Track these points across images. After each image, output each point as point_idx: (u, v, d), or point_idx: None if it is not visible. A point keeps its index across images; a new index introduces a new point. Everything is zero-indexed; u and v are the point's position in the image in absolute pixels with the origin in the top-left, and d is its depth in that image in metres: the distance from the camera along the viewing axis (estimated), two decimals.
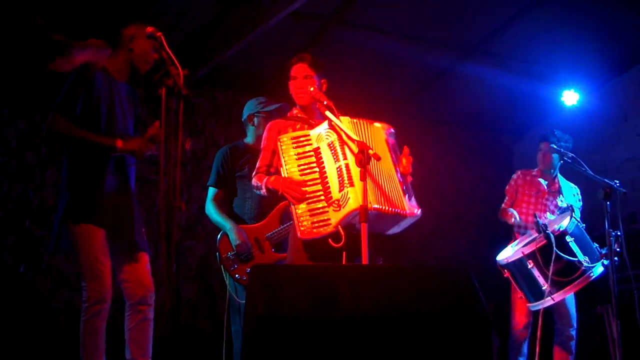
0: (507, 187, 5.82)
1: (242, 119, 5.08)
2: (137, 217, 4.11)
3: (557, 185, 5.67)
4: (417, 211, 3.84)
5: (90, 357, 3.86)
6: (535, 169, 5.76)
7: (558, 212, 5.55)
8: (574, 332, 5.35)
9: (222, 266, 4.72)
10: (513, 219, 5.39)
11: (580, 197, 5.77)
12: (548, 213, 5.55)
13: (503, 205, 5.75)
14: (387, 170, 3.80)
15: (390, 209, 3.68)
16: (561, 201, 5.62)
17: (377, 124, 3.92)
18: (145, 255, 4.11)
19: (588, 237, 5.03)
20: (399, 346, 2.72)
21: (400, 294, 2.84)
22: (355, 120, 3.84)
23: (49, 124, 3.98)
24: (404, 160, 3.89)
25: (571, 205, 5.34)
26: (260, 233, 4.71)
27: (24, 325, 5.95)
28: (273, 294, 2.68)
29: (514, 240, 5.46)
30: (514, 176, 5.80)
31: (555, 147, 5.22)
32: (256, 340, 2.60)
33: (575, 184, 5.83)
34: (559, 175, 5.74)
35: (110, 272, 3.94)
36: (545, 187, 5.65)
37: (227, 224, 4.73)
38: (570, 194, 5.70)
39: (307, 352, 2.63)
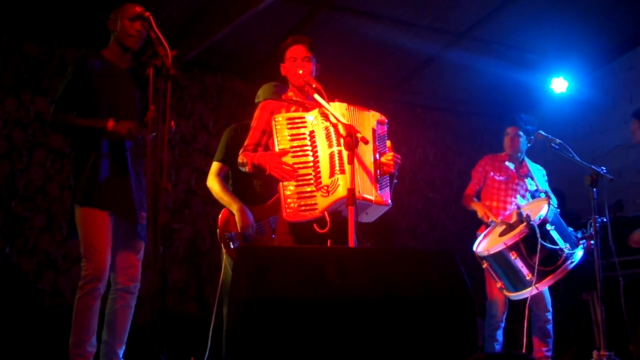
0: (473, 172, 5.82)
1: (257, 101, 4.97)
2: (137, 202, 4.12)
3: (525, 169, 5.68)
4: (387, 200, 3.83)
5: (79, 334, 3.91)
6: (503, 154, 5.77)
7: (529, 196, 5.57)
8: (549, 316, 5.39)
9: (221, 244, 4.66)
10: (489, 221, 5.38)
11: (547, 178, 5.79)
12: (519, 197, 5.56)
13: (467, 190, 5.76)
14: (368, 157, 3.82)
15: (366, 197, 3.70)
16: (530, 184, 5.64)
17: (367, 112, 3.93)
18: (140, 244, 4.15)
19: (563, 222, 5.05)
20: (385, 328, 2.73)
21: (387, 276, 2.85)
22: (347, 106, 3.84)
23: (48, 118, 4.12)
24: (387, 154, 3.88)
25: (546, 192, 5.36)
26: (263, 215, 4.65)
27: (8, 306, 5.93)
28: (259, 276, 2.68)
29: (484, 228, 5.46)
30: (482, 162, 5.80)
31: (543, 133, 5.21)
32: (242, 323, 2.61)
33: (565, 170, 5.84)
34: (525, 158, 5.75)
35: (107, 253, 3.99)
36: (514, 171, 5.66)
37: (234, 203, 4.65)
38: (540, 175, 5.71)
39: (294, 334, 2.63)
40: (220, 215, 4.69)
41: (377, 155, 3.88)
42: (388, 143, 3.95)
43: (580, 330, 6.40)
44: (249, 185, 4.74)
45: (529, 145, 5.70)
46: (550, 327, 5.40)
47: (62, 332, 3.95)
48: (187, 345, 6.30)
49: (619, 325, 5.45)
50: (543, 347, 5.41)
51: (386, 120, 4.03)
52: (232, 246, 4.58)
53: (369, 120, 3.92)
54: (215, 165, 4.83)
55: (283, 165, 3.71)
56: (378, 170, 3.84)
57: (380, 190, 3.81)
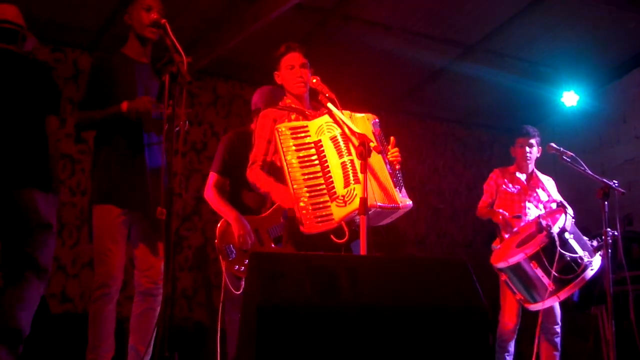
0: (485, 185, 5.81)
1: (253, 109, 4.95)
2: (153, 196, 4.04)
3: (536, 180, 5.68)
4: (409, 202, 3.79)
5: (93, 339, 3.93)
6: (512, 166, 5.76)
7: (541, 206, 5.56)
8: (558, 328, 5.37)
9: (219, 256, 4.65)
10: (501, 217, 5.37)
11: (556, 189, 5.77)
12: (532, 207, 5.54)
13: (480, 203, 5.75)
14: (378, 163, 3.75)
15: (390, 205, 3.67)
16: (542, 195, 5.62)
17: (359, 115, 3.86)
18: (160, 243, 4.09)
19: (579, 231, 5.03)
20: (397, 336, 2.72)
21: (400, 285, 2.84)
22: (350, 113, 3.80)
23: (73, 121, 4.21)
24: (391, 150, 3.82)
25: (561, 201, 5.34)
26: (262, 225, 4.62)
27: None
28: (272, 282, 2.67)
29: (499, 238, 5.44)
30: (493, 175, 5.79)
31: (555, 146, 5.20)
32: (255, 329, 2.60)
33: (574, 184, 5.83)
34: (535, 169, 5.74)
35: (120, 257, 3.98)
36: (525, 183, 5.65)
37: (230, 213, 4.63)
38: (551, 185, 5.70)
39: (306, 341, 2.62)
40: (217, 227, 4.67)
41: (387, 157, 3.82)
42: (392, 140, 3.88)
43: (589, 346, 6.36)
44: (246, 196, 4.73)
45: (537, 156, 5.71)
46: (558, 339, 5.38)
47: (70, 338, 3.95)
48: (194, 352, 6.30)
49: (628, 340, 5.42)
50: None
51: (377, 120, 3.93)
52: (230, 258, 4.56)
53: (366, 124, 3.83)
54: (212, 177, 4.81)
55: (289, 200, 3.68)
56: (394, 172, 3.79)
57: (400, 191, 3.76)
